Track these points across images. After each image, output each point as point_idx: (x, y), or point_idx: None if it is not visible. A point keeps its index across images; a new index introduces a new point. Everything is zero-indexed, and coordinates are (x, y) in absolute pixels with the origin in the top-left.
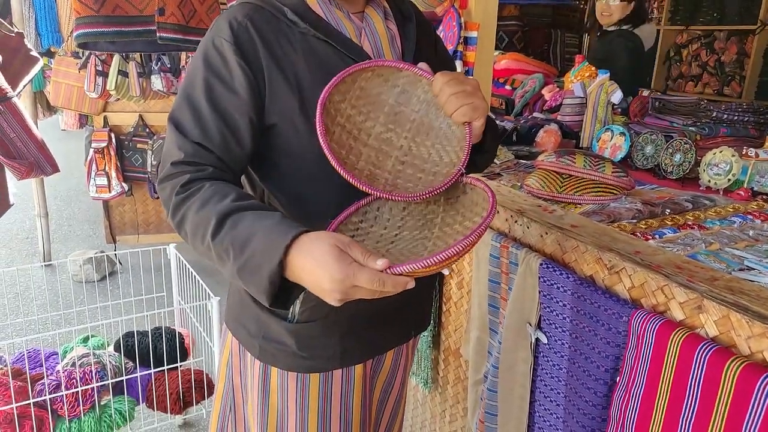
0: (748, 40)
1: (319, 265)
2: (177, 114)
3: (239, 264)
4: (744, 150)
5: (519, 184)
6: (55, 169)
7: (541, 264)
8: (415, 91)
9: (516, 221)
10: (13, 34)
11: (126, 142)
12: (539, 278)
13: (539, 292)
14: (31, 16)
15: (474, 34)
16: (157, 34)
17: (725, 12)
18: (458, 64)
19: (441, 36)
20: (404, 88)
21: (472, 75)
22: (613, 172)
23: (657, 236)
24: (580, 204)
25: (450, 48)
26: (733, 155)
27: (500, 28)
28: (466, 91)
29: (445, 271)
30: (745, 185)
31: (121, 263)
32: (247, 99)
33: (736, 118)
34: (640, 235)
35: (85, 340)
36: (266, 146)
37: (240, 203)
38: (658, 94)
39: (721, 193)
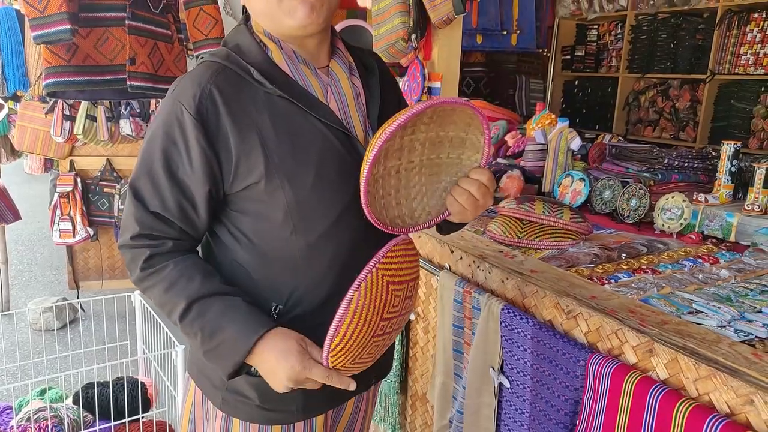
0: (699, 87)
1: (280, 360)
2: (136, 183)
3: (207, 348)
4: (694, 195)
5: (482, 229)
6: (17, 216)
7: (502, 309)
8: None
9: (478, 266)
10: None
11: (92, 186)
12: (501, 323)
13: (501, 337)
14: None
15: (437, 84)
16: (128, 83)
17: (677, 61)
18: None
19: (406, 86)
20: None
21: None
22: (571, 218)
23: (612, 280)
24: (540, 249)
25: (414, 98)
26: (684, 200)
27: (467, 74)
28: (481, 202)
29: (411, 316)
30: (696, 229)
31: (83, 310)
32: (205, 172)
33: (686, 164)
34: (596, 279)
35: (42, 392)
36: (234, 208)
37: (207, 287)
38: (616, 140)
39: (675, 236)
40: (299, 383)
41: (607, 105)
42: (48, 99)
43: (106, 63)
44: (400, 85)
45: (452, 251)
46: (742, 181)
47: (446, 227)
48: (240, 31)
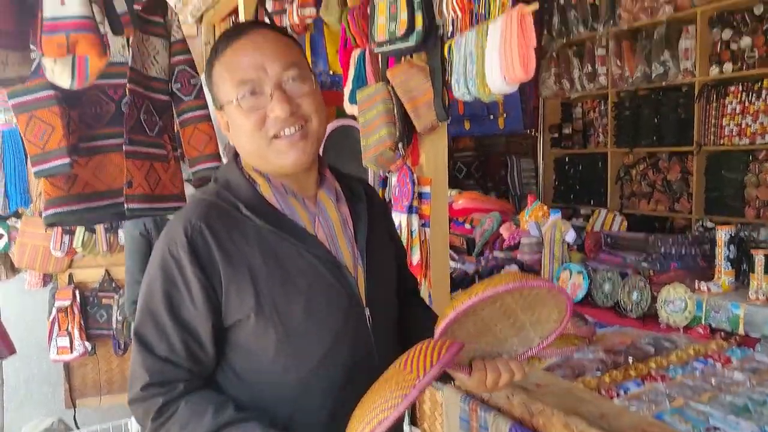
0: (688, 159)
1: None
2: (141, 329)
3: None
4: (696, 284)
5: None
6: (11, 351)
7: (510, 429)
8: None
9: None
10: None
11: (90, 298)
12: None
13: None
14: (1, 181)
15: (427, 189)
16: (126, 206)
17: (663, 135)
18: (414, 217)
19: (396, 191)
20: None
21: (428, 227)
22: (572, 323)
23: (622, 391)
24: (543, 358)
25: (405, 203)
26: (686, 291)
27: (458, 160)
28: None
29: None
30: (703, 321)
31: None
32: (207, 308)
33: (684, 251)
34: (604, 392)
35: None
36: (224, 343)
37: (219, 420)
38: (612, 217)
39: (681, 330)
40: None
41: (599, 180)
42: None
43: (105, 189)
44: (392, 191)
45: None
46: (744, 256)
47: None
48: (229, 167)
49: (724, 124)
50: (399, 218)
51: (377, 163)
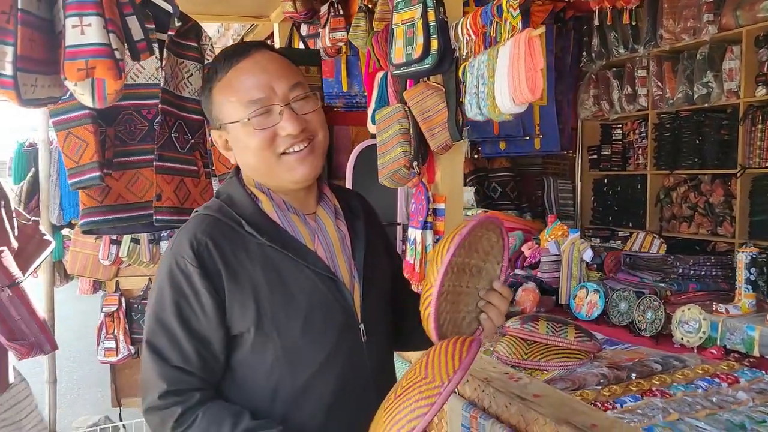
0: (731, 182)
1: None
2: (153, 339)
3: None
4: (714, 306)
5: (492, 348)
6: (54, 347)
7: None
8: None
9: (483, 390)
10: (30, 222)
11: (135, 305)
12: None
13: None
14: (57, 194)
15: (442, 205)
16: (154, 217)
17: (705, 157)
18: (428, 233)
19: (412, 208)
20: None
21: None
22: (576, 337)
23: (618, 405)
24: (546, 370)
25: (420, 219)
26: (700, 313)
27: (492, 180)
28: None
29: None
30: (718, 342)
31: (125, 429)
32: (218, 317)
33: (704, 272)
34: (600, 404)
35: None
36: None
37: (238, 428)
38: (650, 239)
39: (695, 351)
40: None
41: (638, 202)
42: None
43: (135, 200)
44: (410, 206)
45: None
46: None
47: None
48: (231, 184)
49: None
50: (414, 234)
51: (392, 180)
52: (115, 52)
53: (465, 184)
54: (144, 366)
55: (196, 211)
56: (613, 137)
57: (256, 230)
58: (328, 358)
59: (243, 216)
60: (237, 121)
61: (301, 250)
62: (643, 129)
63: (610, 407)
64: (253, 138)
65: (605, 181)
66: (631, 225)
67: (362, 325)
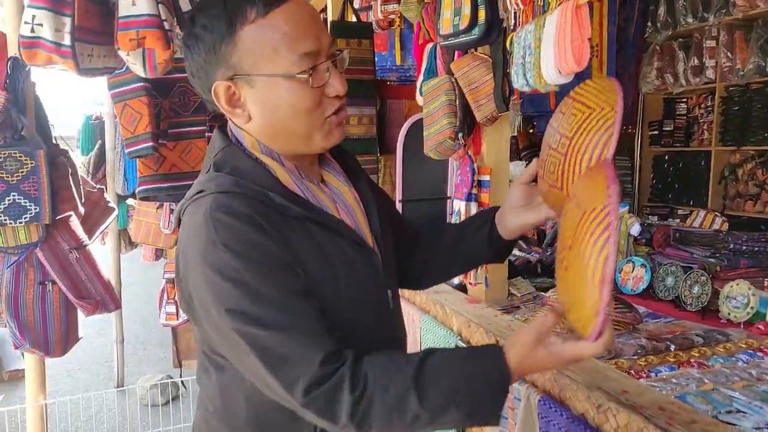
0: None
1: (536, 363)
2: (253, 313)
3: (467, 410)
4: (765, 282)
5: (531, 317)
6: (117, 306)
7: (539, 400)
8: None
9: None
10: (95, 190)
11: None
12: (539, 415)
13: (540, 429)
14: (121, 166)
15: (487, 177)
16: None
17: None
18: (473, 205)
19: (458, 179)
20: None
21: None
22: (615, 308)
23: (653, 374)
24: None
25: (465, 191)
26: (749, 288)
27: None
28: None
29: None
30: (766, 319)
31: (185, 387)
32: (291, 261)
33: (757, 248)
34: (635, 373)
35: None
36: None
37: (412, 359)
38: (712, 218)
39: (742, 326)
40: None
41: (700, 179)
42: None
43: (188, 170)
44: (456, 178)
45: (497, 341)
46: None
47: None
48: (232, 153)
49: None
50: (459, 205)
51: (437, 152)
52: (164, 22)
53: (519, 159)
54: (272, 344)
55: (198, 195)
56: (677, 112)
57: (288, 201)
58: (363, 336)
59: (265, 187)
60: (281, 75)
61: (332, 220)
62: (709, 103)
63: (645, 375)
64: (304, 97)
65: (666, 157)
66: (692, 203)
67: (389, 291)
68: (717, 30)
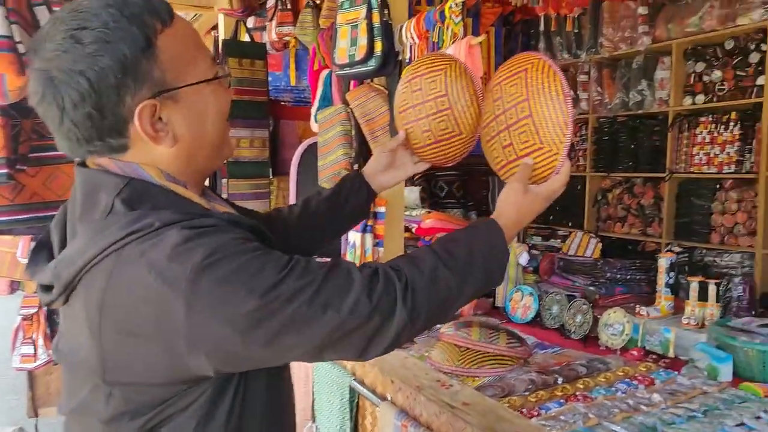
0: (660, 185)
1: (527, 211)
2: (282, 291)
3: (490, 264)
4: (637, 308)
5: (427, 354)
6: None
7: None
8: None
9: (415, 399)
10: None
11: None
12: None
13: None
14: None
15: (382, 209)
16: None
17: (638, 161)
18: (368, 237)
19: None
20: None
21: (381, 247)
22: (507, 343)
23: (543, 411)
24: (478, 377)
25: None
26: (624, 316)
27: (440, 179)
28: None
29: None
30: (639, 344)
31: None
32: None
33: (629, 277)
34: (526, 411)
35: None
36: None
37: (428, 248)
38: (587, 239)
39: (618, 352)
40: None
41: (578, 202)
42: None
43: (54, 198)
44: None
45: (392, 381)
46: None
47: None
48: (143, 188)
49: (694, 152)
50: (353, 237)
51: (332, 183)
52: (18, 45)
53: (413, 184)
54: (323, 295)
55: (132, 237)
56: None
57: (233, 225)
58: None
59: (201, 215)
60: (205, 81)
61: (260, 229)
62: (584, 132)
63: (536, 414)
64: (225, 100)
65: None
66: (570, 225)
67: None
68: (588, 66)
